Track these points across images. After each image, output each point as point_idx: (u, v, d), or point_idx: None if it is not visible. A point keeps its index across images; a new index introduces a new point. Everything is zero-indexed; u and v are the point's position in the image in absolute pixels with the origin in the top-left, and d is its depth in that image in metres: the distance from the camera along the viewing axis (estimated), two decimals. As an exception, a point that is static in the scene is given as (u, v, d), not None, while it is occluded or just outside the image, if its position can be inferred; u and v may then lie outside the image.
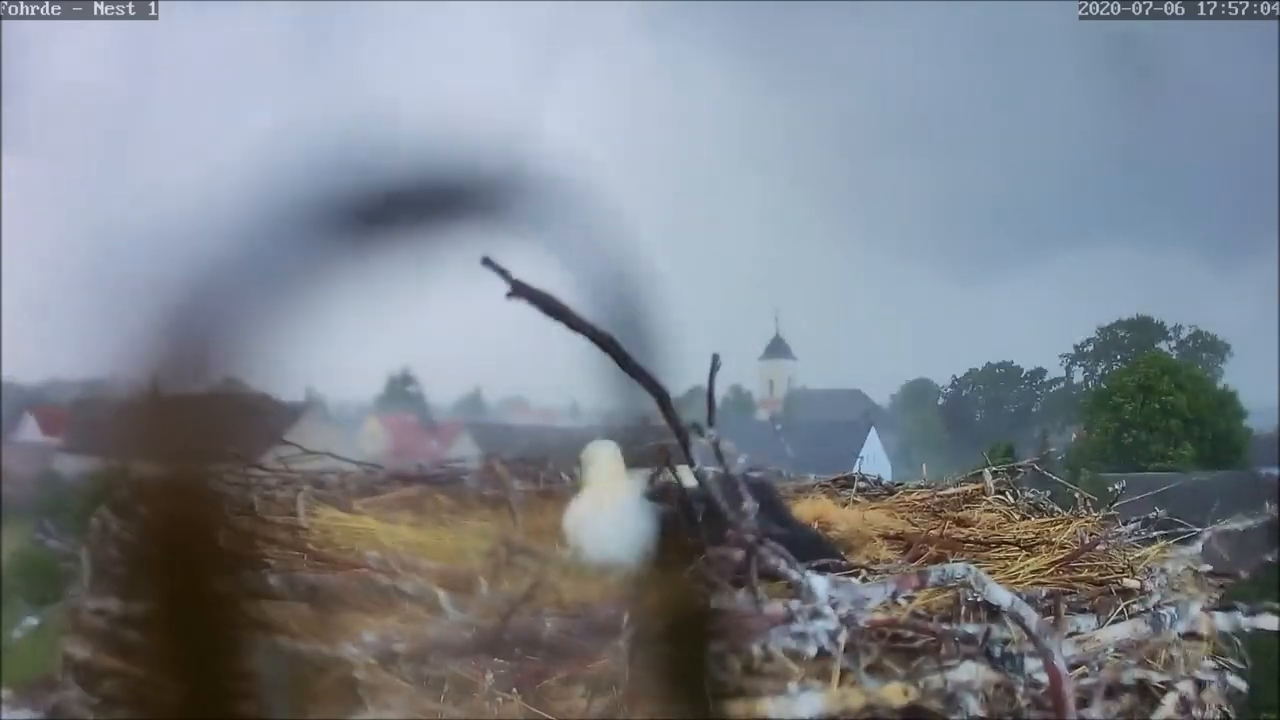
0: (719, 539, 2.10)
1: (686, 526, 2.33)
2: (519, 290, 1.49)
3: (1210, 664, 2.58)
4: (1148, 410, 27.18)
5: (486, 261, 1.47)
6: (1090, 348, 38.13)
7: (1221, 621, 2.67)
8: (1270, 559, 3.00)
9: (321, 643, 1.93)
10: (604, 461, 2.99)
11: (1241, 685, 2.67)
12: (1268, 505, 3.17)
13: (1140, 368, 29.35)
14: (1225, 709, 2.61)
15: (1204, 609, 2.61)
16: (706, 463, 2.27)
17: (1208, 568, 2.87)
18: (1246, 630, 2.73)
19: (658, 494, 2.78)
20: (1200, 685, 2.50)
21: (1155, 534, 3.02)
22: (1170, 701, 2.33)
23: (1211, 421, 27.33)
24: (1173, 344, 37.44)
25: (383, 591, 2.18)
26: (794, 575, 2.00)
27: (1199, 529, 3.02)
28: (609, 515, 2.76)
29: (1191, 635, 2.54)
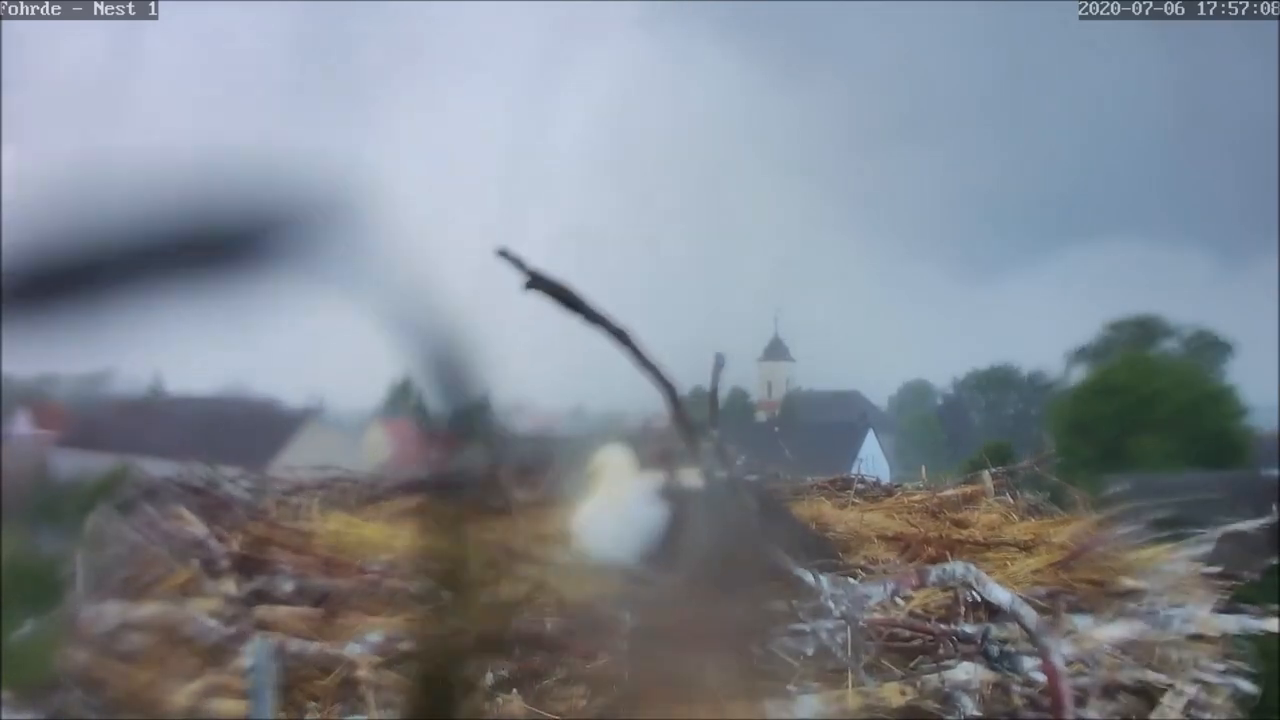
0: (723, 539, 2.10)
1: (692, 528, 2.33)
2: (536, 282, 1.47)
3: (1218, 667, 2.56)
4: (1111, 410, 26.97)
5: (503, 253, 1.45)
6: (1096, 346, 37.94)
7: (1228, 624, 2.66)
8: (1275, 561, 2.99)
9: (328, 643, 1.93)
10: (616, 464, 3.01)
11: (1252, 689, 2.65)
12: (1274, 508, 3.15)
13: (1111, 369, 29.11)
14: (1236, 713, 2.59)
15: (1210, 611, 2.60)
16: (710, 463, 2.27)
17: (1212, 569, 2.86)
18: (1254, 633, 2.71)
19: (666, 495, 2.79)
20: (1209, 688, 2.48)
21: (1157, 535, 3.02)
22: (1176, 704, 2.32)
23: (1206, 418, 27.10)
24: (1176, 343, 37.33)
25: (390, 595, 2.19)
26: (797, 573, 2.00)
27: (1201, 530, 3.01)
28: (621, 517, 2.78)
29: (1196, 637, 2.53)
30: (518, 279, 1.46)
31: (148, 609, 2.01)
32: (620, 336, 1.43)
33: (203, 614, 1.96)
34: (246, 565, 2.42)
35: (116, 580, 2.55)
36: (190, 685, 1.84)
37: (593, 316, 1.45)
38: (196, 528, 2.59)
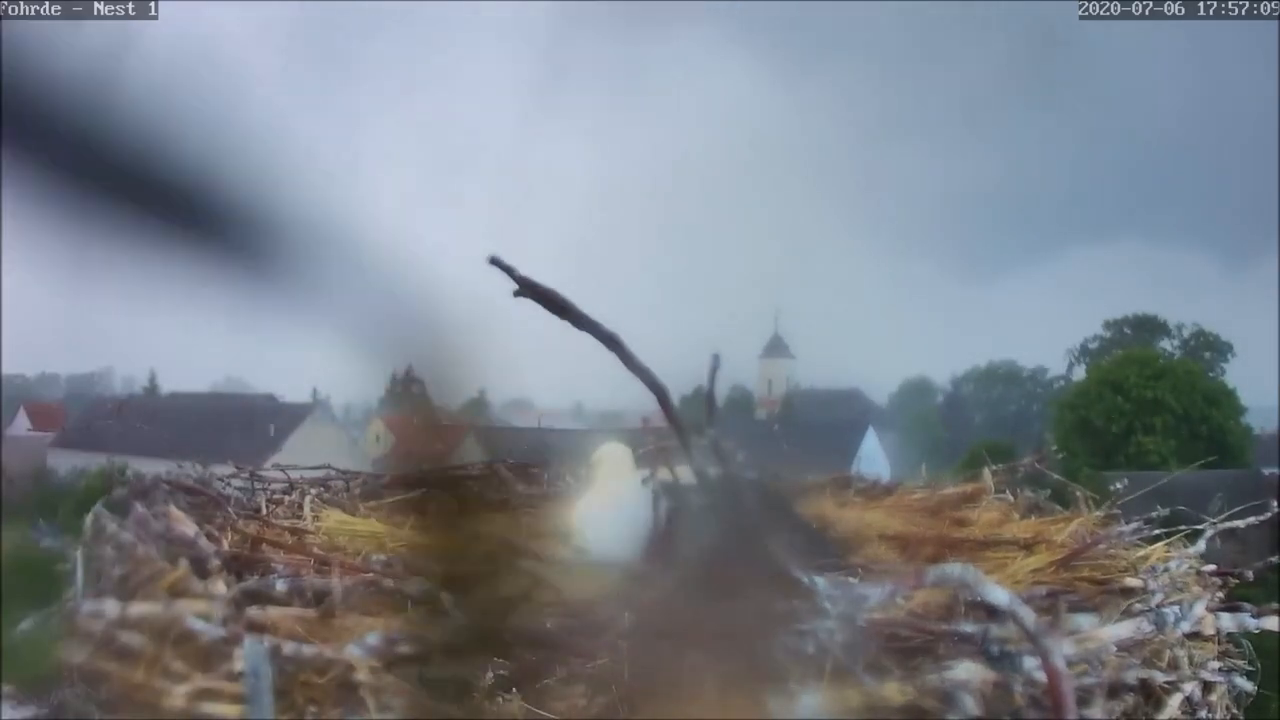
0: (721, 537, 2.10)
1: (690, 525, 2.33)
2: (526, 288, 1.49)
3: (1217, 665, 2.57)
4: (1111, 408, 27.05)
5: (494, 261, 1.47)
6: (1096, 345, 38.02)
7: (1227, 622, 2.66)
8: (1275, 559, 2.99)
9: (325, 645, 1.92)
10: (614, 461, 3.01)
11: (1249, 687, 2.66)
12: (1274, 504, 3.16)
13: (1112, 368, 29.24)
14: (1233, 711, 2.59)
15: (1209, 609, 2.60)
16: (706, 462, 2.26)
17: (1211, 567, 2.86)
18: (1253, 631, 2.72)
19: (664, 492, 2.79)
20: (1207, 686, 2.49)
21: (1157, 532, 3.02)
22: (1175, 702, 2.32)
23: (1206, 417, 27.20)
24: (1175, 343, 37.41)
25: (387, 594, 2.18)
26: (796, 573, 1.99)
27: (1200, 528, 3.01)
28: (620, 513, 2.78)
29: (1196, 635, 2.53)
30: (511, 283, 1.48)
31: (140, 608, 1.99)
32: (609, 341, 1.44)
33: (193, 614, 1.94)
34: (238, 564, 2.41)
35: (111, 578, 2.54)
36: (183, 687, 1.83)
37: (581, 321, 1.46)
38: (186, 526, 2.58)
